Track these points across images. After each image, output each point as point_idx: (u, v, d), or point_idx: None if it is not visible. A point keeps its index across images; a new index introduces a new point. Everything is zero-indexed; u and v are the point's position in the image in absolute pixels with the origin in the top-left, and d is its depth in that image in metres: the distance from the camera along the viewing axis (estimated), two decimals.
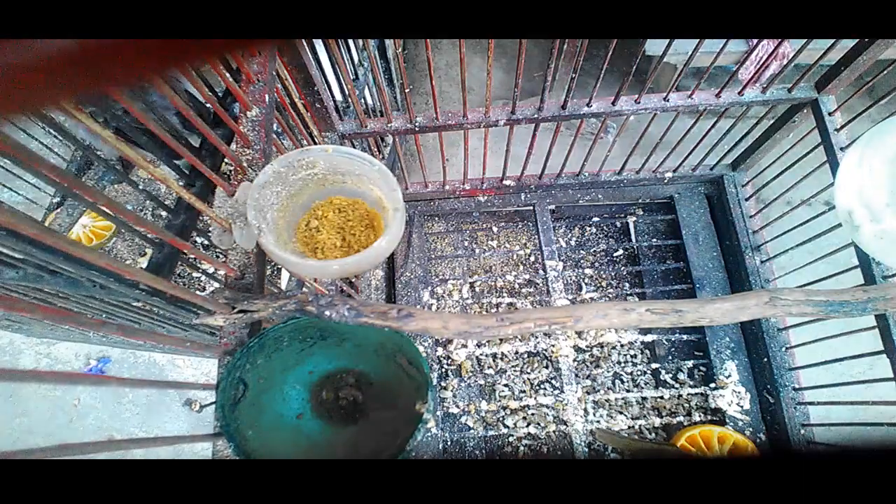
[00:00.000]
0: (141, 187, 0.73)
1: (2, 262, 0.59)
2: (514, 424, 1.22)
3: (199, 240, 1.64)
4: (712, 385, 1.21)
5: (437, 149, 1.17)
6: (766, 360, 1.17)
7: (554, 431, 1.21)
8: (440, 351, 1.28)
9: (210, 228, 0.66)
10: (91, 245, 1.58)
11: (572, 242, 1.48)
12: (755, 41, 1.11)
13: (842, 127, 1.03)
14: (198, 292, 0.59)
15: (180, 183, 0.74)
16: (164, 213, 1.64)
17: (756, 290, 1.17)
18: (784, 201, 1.18)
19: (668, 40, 0.99)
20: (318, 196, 0.70)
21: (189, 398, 2.24)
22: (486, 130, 1.09)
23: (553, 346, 1.25)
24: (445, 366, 1.30)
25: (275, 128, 0.79)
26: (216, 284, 1.59)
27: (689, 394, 1.22)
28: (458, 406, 1.24)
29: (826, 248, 1.03)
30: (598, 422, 1.23)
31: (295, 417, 0.65)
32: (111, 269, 0.43)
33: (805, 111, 1.09)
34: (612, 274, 1.43)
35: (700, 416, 1.21)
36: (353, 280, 1.27)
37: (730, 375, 1.20)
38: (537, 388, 1.29)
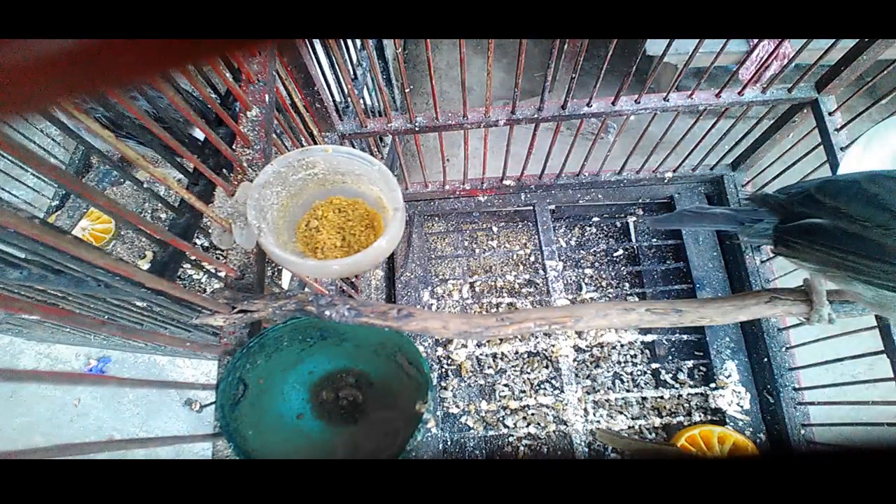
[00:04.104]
0: (145, 186, 0.73)
1: (5, 262, 0.59)
2: (514, 424, 1.22)
3: (198, 241, 1.64)
4: (712, 385, 1.21)
5: (437, 149, 1.17)
6: (766, 360, 1.18)
7: (554, 431, 1.21)
8: (440, 351, 1.28)
9: (210, 228, 0.66)
10: None
11: (572, 242, 1.48)
12: (755, 41, 1.11)
13: (842, 127, 1.03)
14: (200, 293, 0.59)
15: (184, 182, 0.74)
16: (163, 216, 1.64)
17: (756, 290, 1.17)
18: None
19: (668, 40, 0.99)
20: (318, 196, 0.70)
21: (189, 398, 2.24)
22: (486, 130, 1.09)
23: (553, 346, 1.25)
24: (445, 366, 1.30)
25: (275, 128, 0.79)
26: (218, 284, 1.59)
27: (689, 394, 1.22)
28: (458, 406, 1.24)
29: None
30: (598, 422, 1.23)
31: (295, 417, 0.65)
32: (116, 271, 0.43)
33: (805, 111, 1.09)
34: (612, 274, 1.43)
35: (700, 416, 1.21)
36: (353, 280, 1.27)
37: (730, 375, 1.20)
38: (537, 388, 1.29)
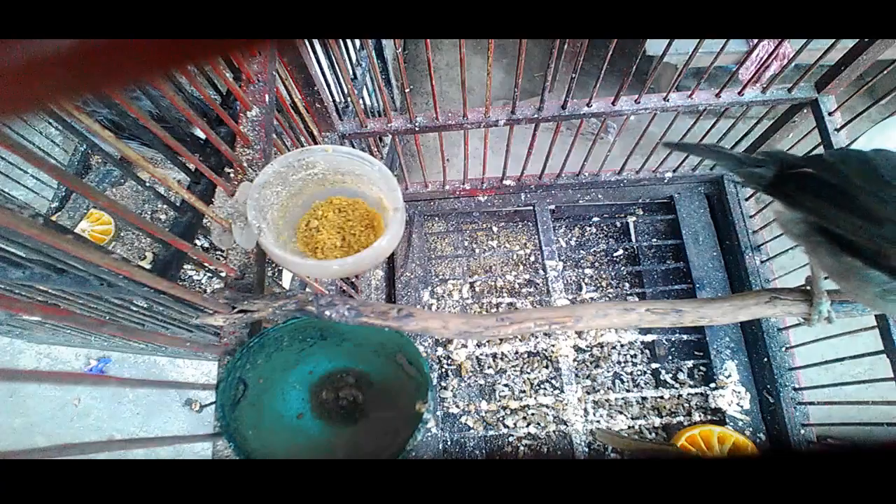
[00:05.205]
0: (148, 185, 0.73)
1: (8, 262, 0.59)
2: (514, 424, 1.22)
3: (198, 242, 1.64)
4: (712, 385, 1.21)
5: (437, 149, 1.17)
6: (766, 360, 1.18)
7: (554, 431, 1.21)
8: (440, 351, 1.28)
9: (211, 228, 0.66)
10: None
11: (572, 242, 1.48)
12: (755, 41, 1.11)
13: (842, 127, 1.03)
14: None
15: (185, 182, 0.74)
16: (162, 217, 1.64)
17: (756, 290, 1.17)
18: None
19: (668, 40, 0.99)
20: (318, 196, 0.70)
21: (189, 398, 2.24)
22: (486, 130, 1.09)
23: (553, 346, 1.25)
24: (445, 366, 1.30)
25: (275, 128, 0.79)
26: (219, 284, 1.59)
27: (689, 394, 1.22)
28: (458, 406, 1.24)
29: None
30: (598, 422, 1.23)
31: (295, 417, 0.65)
32: (119, 272, 0.43)
33: (805, 111, 1.09)
34: (612, 274, 1.43)
35: (700, 416, 1.21)
36: (353, 280, 1.27)
37: (730, 375, 1.20)
38: (537, 388, 1.29)
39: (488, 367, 1.31)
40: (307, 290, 0.99)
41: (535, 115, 1.04)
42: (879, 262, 0.50)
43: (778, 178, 0.59)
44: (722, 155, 0.66)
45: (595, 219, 1.47)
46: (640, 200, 1.41)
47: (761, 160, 0.62)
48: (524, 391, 1.27)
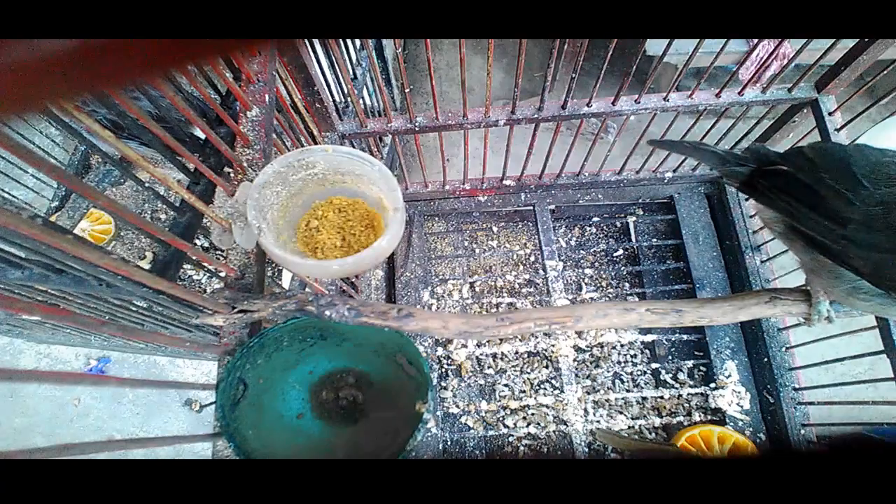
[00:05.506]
0: (147, 185, 0.73)
1: (6, 262, 0.59)
2: (514, 424, 1.22)
3: (198, 241, 1.64)
4: (712, 385, 1.21)
5: (438, 149, 1.17)
6: (766, 360, 1.18)
7: (554, 431, 1.21)
8: (440, 351, 1.28)
9: (211, 228, 0.66)
10: None
11: (572, 242, 1.48)
12: (755, 41, 1.11)
13: (842, 127, 1.03)
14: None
15: (185, 182, 0.74)
16: (162, 217, 1.64)
17: (756, 290, 1.17)
18: None
19: (668, 40, 1.00)
20: (319, 196, 0.70)
21: (189, 398, 2.24)
22: (486, 130, 1.09)
23: (553, 346, 1.25)
24: (445, 366, 1.30)
25: (275, 128, 0.79)
26: (219, 284, 1.59)
27: (689, 394, 1.22)
28: (458, 406, 1.24)
29: None
30: (598, 422, 1.23)
31: (295, 417, 0.65)
32: (118, 272, 0.43)
33: (805, 111, 1.09)
34: (612, 274, 1.43)
35: (700, 416, 1.21)
36: (353, 280, 1.27)
37: (730, 375, 1.20)
38: (537, 388, 1.29)
39: (488, 367, 1.31)
40: (307, 290, 0.99)
41: (535, 115, 1.04)
42: (846, 262, 0.50)
43: (755, 175, 0.59)
44: (705, 153, 0.65)
45: (595, 219, 1.47)
46: (640, 200, 1.41)
47: (744, 157, 0.62)
48: (524, 391, 1.27)
